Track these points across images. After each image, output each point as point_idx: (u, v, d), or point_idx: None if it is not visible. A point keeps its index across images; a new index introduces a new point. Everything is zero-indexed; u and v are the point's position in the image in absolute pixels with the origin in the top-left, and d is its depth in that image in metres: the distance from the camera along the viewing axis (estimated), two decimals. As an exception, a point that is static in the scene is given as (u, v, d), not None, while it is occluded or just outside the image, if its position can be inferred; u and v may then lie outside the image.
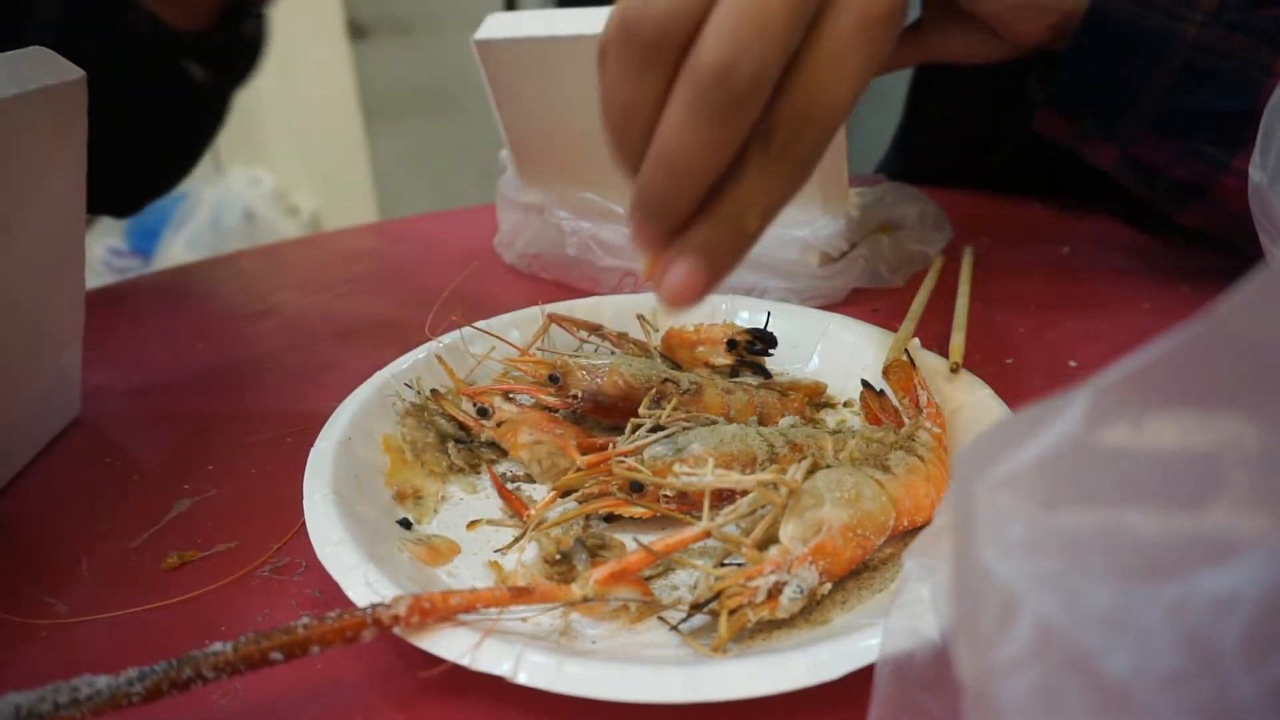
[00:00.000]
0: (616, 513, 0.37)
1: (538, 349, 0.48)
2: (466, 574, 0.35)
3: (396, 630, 0.28)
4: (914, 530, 0.35)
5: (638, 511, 0.36)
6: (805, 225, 0.57)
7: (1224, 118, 0.51)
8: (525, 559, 0.35)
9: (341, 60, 2.26)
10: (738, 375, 0.47)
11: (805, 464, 0.33)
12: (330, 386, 0.51)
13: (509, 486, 0.40)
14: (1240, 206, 0.51)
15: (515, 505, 0.39)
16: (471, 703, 0.29)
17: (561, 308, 0.52)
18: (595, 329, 0.50)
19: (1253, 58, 0.50)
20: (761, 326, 0.48)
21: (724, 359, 0.47)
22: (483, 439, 0.43)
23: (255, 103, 2.41)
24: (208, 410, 0.51)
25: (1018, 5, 0.54)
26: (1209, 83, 0.51)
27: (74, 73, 0.40)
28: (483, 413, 0.42)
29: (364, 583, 0.30)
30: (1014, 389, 0.45)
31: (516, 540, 0.36)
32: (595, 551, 0.34)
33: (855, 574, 0.33)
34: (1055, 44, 0.56)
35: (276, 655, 0.26)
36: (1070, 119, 0.57)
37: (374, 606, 0.28)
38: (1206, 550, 0.16)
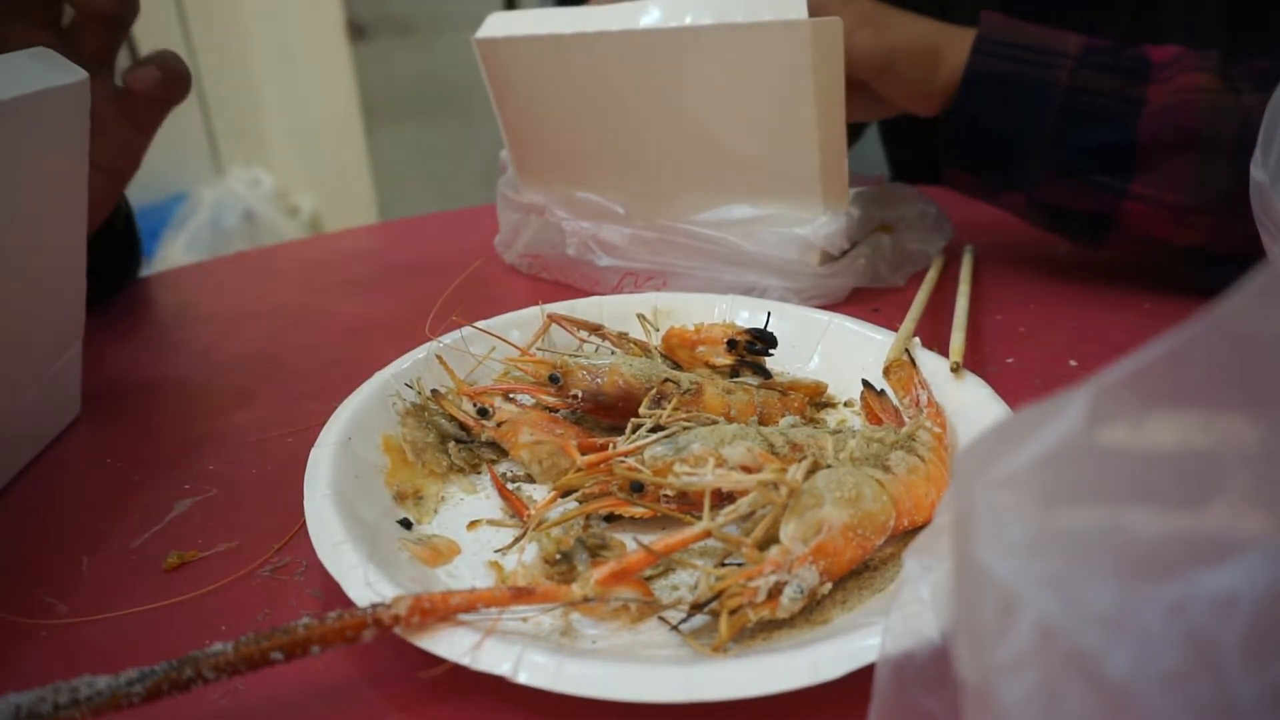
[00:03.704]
0: (617, 513, 0.37)
1: (538, 349, 0.48)
2: (467, 574, 0.35)
3: (397, 630, 0.28)
4: (914, 530, 0.35)
5: (638, 511, 0.36)
6: (806, 224, 0.57)
7: (1110, 149, 0.55)
8: (525, 559, 0.35)
9: (341, 60, 2.26)
10: (738, 375, 0.47)
11: (805, 464, 0.33)
12: (330, 386, 0.51)
13: (509, 486, 0.40)
14: (1155, 231, 0.56)
15: (515, 505, 0.39)
16: (471, 703, 0.29)
17: (561, 308, 0.52)
18: (595, 329, 0.50)
19: (1123, 92, 0.54)
20: (761, 326, 0.48)
21: (724, 359, 0.47)
22: (483, 439, 0.43)
23: (255, 103, 2.41)
24: (208, 410, 0.51)
25: (914, 95, 0.59)
26: (1090, 121, 0.55)
27: (77, 74, 0.40)
28: (483, 413, 0.42)
29: (364, 583, 0.30)
30: (1014, 389, 0.45)
31: (517, 540, 0.36)
32: (595, 551, 0.34)
33: (855, 574, 0.33)
34: (946, 109, 0.60)
35: (277, 655, 0.26)
36: (975, 174, 0.60)
37: (374, 606, 0.28)
38: (1206, 550, 0.16)
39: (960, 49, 0.57)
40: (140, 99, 0.49)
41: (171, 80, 0.50)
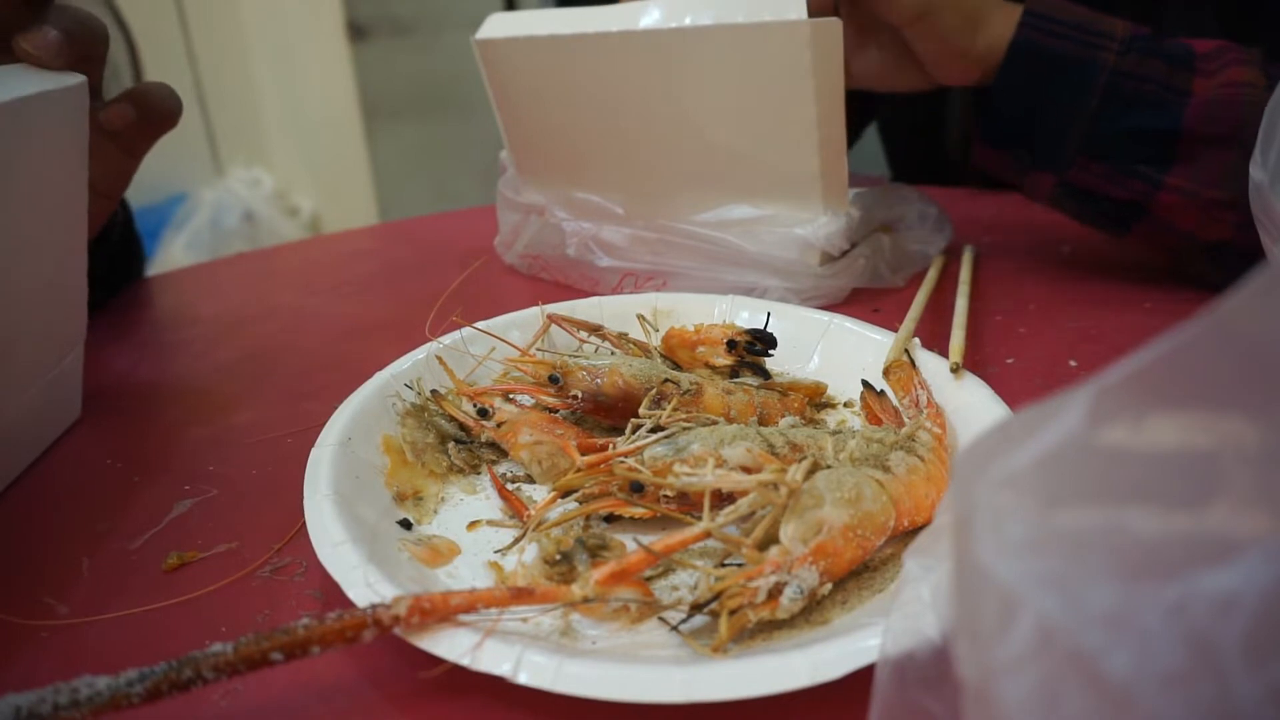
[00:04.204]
0: (617, 513, 0.37)
1: (538, 349, 0.48)
2: (467, 574, 0.35)
3: (397, 631, 0.28)
4: (914, 530, 0.35)
5: (638, 512, 0.36)
6: (805, 225, 0.57)
7: (1152, 137, 0.54)
8: (525, 559, 0.35)
9: (341, 60, 2.26)
10: (738, 376, 0.47)
11: (805, 464, 0.33)
12: (330, 386, 0.51)
13: (509, 487, 0.40)
14: (1184, 224, 0.55)
15: (515, 506, 0.39)
16: (471, 703, 0.29)
17: (561, 308, 0.52)
18: (595, 329, 0.50)
19: (1170, 81, 0.53)
20: (761, 327, 0.48)
21: (724, 359, 0.47)
22: (483, 439, 0.43)
23: (255, 103, 2.41)
24: (208, 411, 0.51)
25: (950, 54, 0.57)
26: (1134, 106, 0.54)
27: (74, 78, 0.40)
28: (483, 413, 0.42)
29: (364, 583, 0.30)
30: (1014, 389, 0.45)
31: (517, 541, 0.36)
32: (595, 552, 0.34)
33: (855, 574, 0.33)
34: (984, 81, 0.58)
35: (277, 655, 0.26)
36: (1006, 151, 0.59)
37: (374, 607, 0.28)
38: (1206, 550, 0.16)
39: (1003, 19, 0.56)
40: (122, 131, 0.47)
41: (149, 116, 0.48)
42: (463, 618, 0.29)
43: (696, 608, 0.30)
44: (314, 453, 0.38)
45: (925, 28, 0.56)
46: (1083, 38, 0.54)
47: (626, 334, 0.50)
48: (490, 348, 0.48)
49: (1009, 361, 0.52)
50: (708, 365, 0.47)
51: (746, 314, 0.52)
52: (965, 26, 0.56)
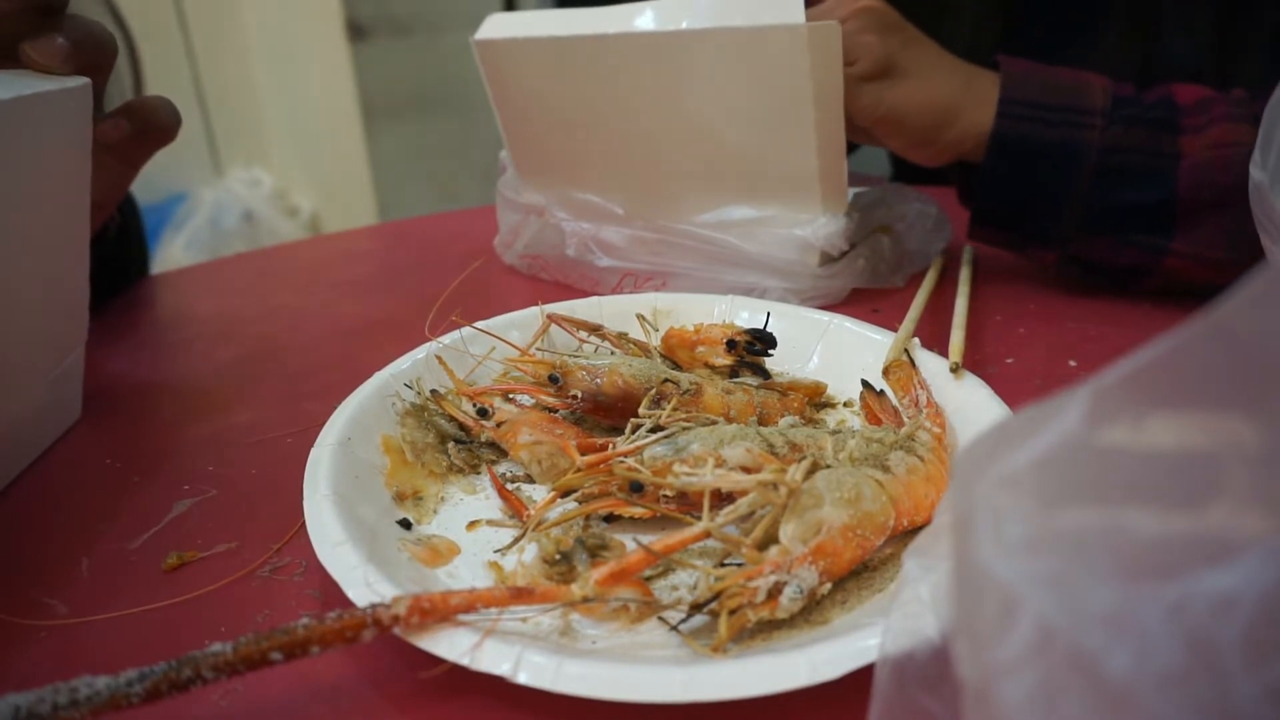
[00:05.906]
0: (616, 513, 0.37)
1: (538, 349, 0.48)
2: (466, 574, 0.35)
3: (396, 630, 0.28)
4: (914, 530, 0.35)
5: (638, 512, 0.36)
6: (805, 225, 0.57)
7: (1148, 209, 0.54)
8: (525, 559, 0.35)
9: (341, 60, 2.26)
10: (738, 375, 0.47)
11: (805, 464, 0.33)
12: (330, 386, 0.51)
13: (509, 487, 0.40)
14: (1195, 277, 0.55)
15: (515, 505, 0.39)
16: (471, 703, 0.29)
17: (561, 308, 0.52)
18: (595, 329, 0.50)
19: (1157, 147, 0.53)
20: (761, 327, 0.48)
21: (724, 359, 0.47)
22: (483, 439, 0.43)
23: (255, 103, 2.41)
24: (208, 411, 0.51)
25: (913, 146, 0.58)
26: (1124, 180, 0.53)
27: (78, 80, 0.40)
28: (482, 413, 0.42)
29: (364, 583, 0.30)
30: (1014, 389, 0.45)
31: (516, 541, 0.36)
32: (595, 552, 0.34)
33: (855, 574, 0.33)
34: (958, 160, 0.59)
35: (276, 655, 0.26)
36: (1000, 231, 0.60)
37: (374, 607, 0.28)
38: (1206, 550, 0.16)
39: (978, 109, 0.55)
40: (118, 144, 0.47)
41: (146, 131, 0.47)
42: (462, 618, 0.29)
43: (696, 608, 0.30)
44: (313, 453, 0.38)
45: (889, 128, 0.57)
46: (1063, 118, 0.54)
47: (626, 334, 0.50)
48: (490, 348, 0.48)
49: (1009, 361, 0.52)
50: (707, 365, 0.47)
51: (746, 314, 0.52)
52: (933, 125, 0.56)
